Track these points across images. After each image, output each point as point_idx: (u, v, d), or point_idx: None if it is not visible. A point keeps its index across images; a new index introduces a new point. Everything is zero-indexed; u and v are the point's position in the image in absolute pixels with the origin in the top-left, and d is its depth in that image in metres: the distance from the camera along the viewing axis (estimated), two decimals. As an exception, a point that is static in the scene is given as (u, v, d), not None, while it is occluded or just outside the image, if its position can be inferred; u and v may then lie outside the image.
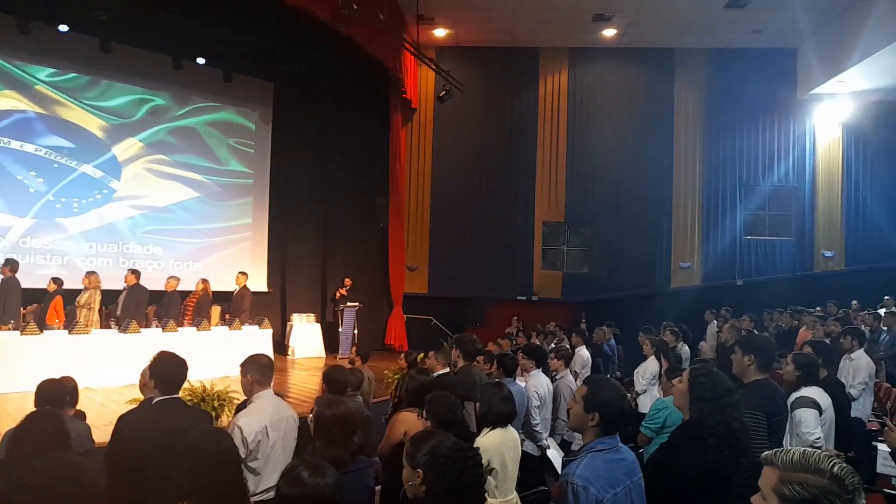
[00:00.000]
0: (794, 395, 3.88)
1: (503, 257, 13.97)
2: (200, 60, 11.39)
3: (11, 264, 8.19)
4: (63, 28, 9.95)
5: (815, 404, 3.85)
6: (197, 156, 11.80)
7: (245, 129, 12.54)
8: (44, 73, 10.17)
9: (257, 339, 9.44)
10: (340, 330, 11.60)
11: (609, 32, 13.08)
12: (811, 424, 3.74)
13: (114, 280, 9.40)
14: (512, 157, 14.16)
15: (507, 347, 8.56)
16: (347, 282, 12.26)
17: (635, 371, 6.91)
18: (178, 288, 9.77)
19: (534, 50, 14.10)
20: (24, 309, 8.53)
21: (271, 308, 11.99)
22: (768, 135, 13.70)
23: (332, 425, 2.97)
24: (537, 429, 4.97)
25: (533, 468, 4.93)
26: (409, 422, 3.66)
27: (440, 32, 13.40)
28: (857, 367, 6.06)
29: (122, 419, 3.13)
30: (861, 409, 6.01)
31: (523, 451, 4.64)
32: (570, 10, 12.10)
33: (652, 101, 13.89)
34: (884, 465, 4.77)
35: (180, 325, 9.25)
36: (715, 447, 2.61)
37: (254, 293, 10.85)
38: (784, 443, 3.52)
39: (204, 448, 2.34)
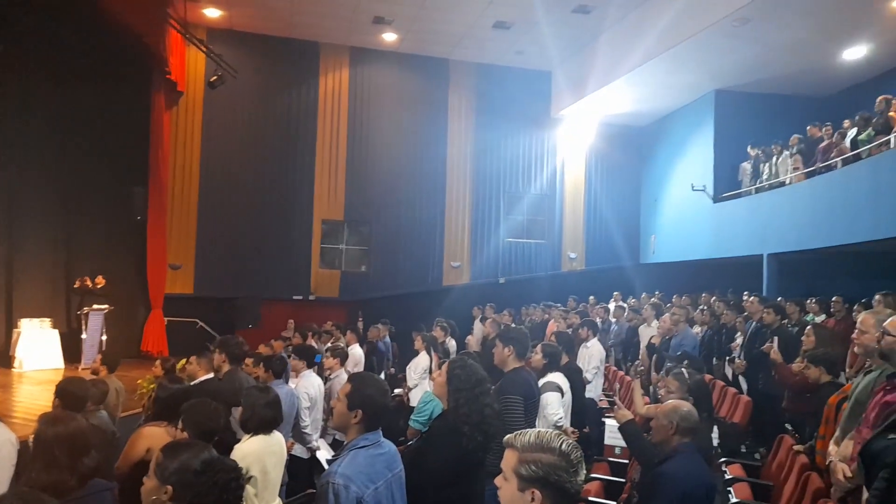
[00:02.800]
0: (541, 381, 4.32)
1: (279, 255, 13.48)
2: None
3: None
4: None
5: (558, 388, 4.34)
6: None
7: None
8: None
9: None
10: (84, 336, 10.15)
11: (389, 37, 13.38)
12: (555, 406, 4.21)
13: None
14: (290, 151, 13.73)
15: (279, 349, 8.25)
16: (100, 280, 10.78)
17: (407, 366, 7.16)
18: None
19: (314, 44, 13.84)
20: None
21: (-10, 312, 10.04)
22: (528, 147, 15.21)
23: (54, 446, 2.58)
24: (306, 430, 4.87)
25: (303, 471, 4.82)
26: (154, 437, 3.31)
27: (212, 13, 12.46)
28: (592, 354, 7.02)
29: None
30: (594, 390, 6.96)
31: (292, 455, 4.51)
32: (351, 8, 12.11)
33: (429, 107, 14.53)
34: (610, 437, 5.57)
35: None
36: (469, 433, 2.80)
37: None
38: (536, 423, 3.92)
39: None
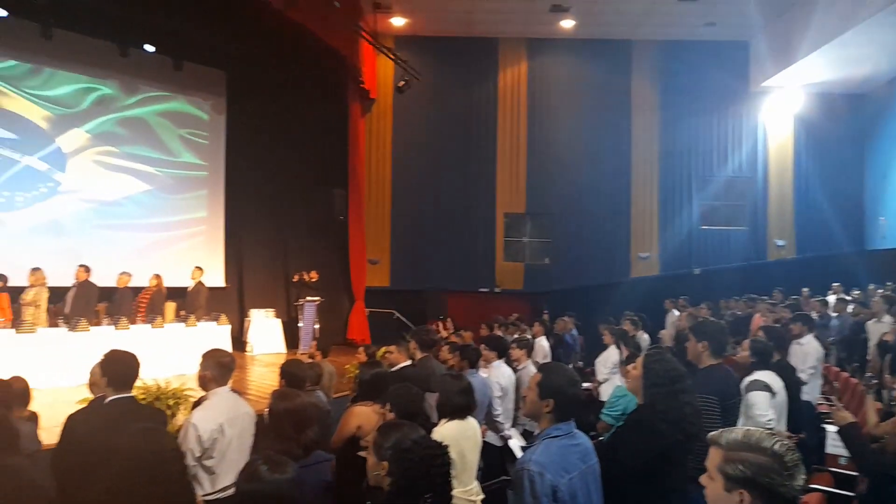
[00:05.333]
0: (747, 379, 3.96)
1: (464, 249, 13.97)
2: (149, 48, 10.91)
3: (-51, 262, 7.80)
4: (1, 13, 9.44)
5: (767, 387, 3.94)
6: (147, 147, 11.41)
7: (197, 119, 12.18)
8: (-20, 61, 9.66)
9: (214, 336, 9.24)
10: (300, 325, 11.42)
11: (567, 24, 13.14)
12: (763, 407, 3.83)
13: (61, 276, 8.99)
14: (472, 147, 14.15)
15: (469, 339, 8.54)
16: (314, 275, 11.96)
17: (596, 360, 7.00)
18: (131, 284, 9.48)
19: (492, 40, 14.09)
20: (-34, 308, 8.13)
21: (228, 303, 11.72)
22: (722, 126, 14.01)
23: (283, 419, 2.93)
24: (499, 419, 4.98)
25: (495, 458, 4.94)
26: (363, 415, 3.62)
27: (398, 21, 13.27)
28: (807, 352, 6.24)
29: (71, 419, 3.06)
30: (810, 392, 6.20)
31: (486, 442, 4.65)
32: (528, 0, 12.12)
33: (610, 93, 14.03)
34: (832, 445, 4.92)
35: (133, 322, 8.99)
36: (666, 431, 2.65)
37: (210, 288, 10.60)
38: (738, 425, 3.59)
39: (138, 448, 2.26)
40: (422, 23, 13.42)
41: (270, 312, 11.76)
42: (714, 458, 1.53)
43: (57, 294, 8.84)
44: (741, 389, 3.74)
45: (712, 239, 13.93)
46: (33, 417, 3.91)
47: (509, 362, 5.86)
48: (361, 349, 6.72)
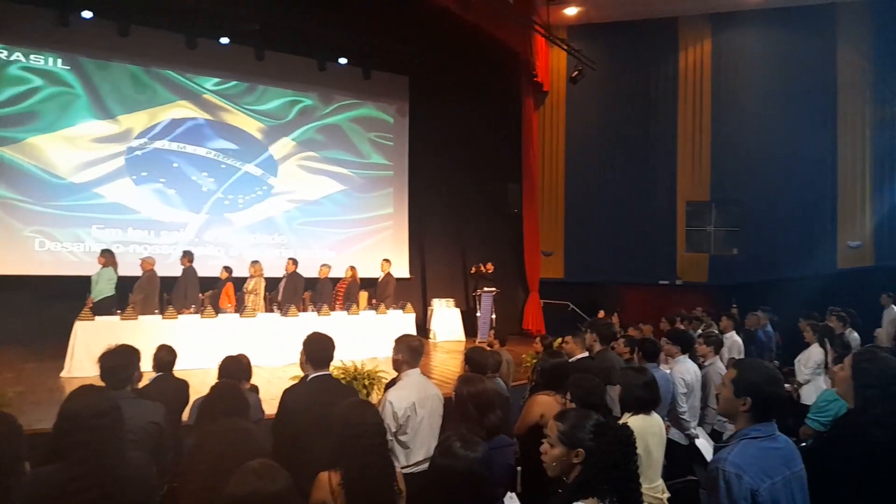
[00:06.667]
0: None
1: (642, 240, 13.43)
2: (342, 61, 12.15)
3: (189, 255, 9.29)
4: (224, 41, 11.06)
5: None
6: (342, 151, 12.60)
7: (384, 122, 13.15)
8: (210, 82, 11.36)
9: (401, 323, 9.84)
10: (478, 315, 11.83)
11: (758, -8, 12.02)
12: None
13: (274, 268, 10.34)
14: (650, 134, 13.54)
15: (648, 332, 8.26)
16: (490, 266, 12.25)
17: (796, 360, 6.39)
18: (330, 275, 10.51)
19: (672, 20, 13.32)
20: (202, 295, 9.61)
21: (413, 293, 12.54)
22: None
23: (468, 401, 3.06)
24: (684, 417, 4.79)
25: (680, 457, 4.76)
26: (545, 404, 3.68)
27: (571, 11, 13.10)
28: None
29: (286, 393, 3.45)
30: None
31: (669, 439, 4.51)
32: (714, -28, 11.30)
33: (809, 65, 12.54)
34: None
35: (332, 309, 9.93)
36: (881, 438, 2.38)
37: (396, 279, 11.36)
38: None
39: (349, 420, 2.49)
40: (595, 10, 13.11)
41: (451, 302, 12.34)
42: None
43: (271, 283, 10.12)
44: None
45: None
46: (255, 390, 4.44)
47: (693, 358, 5.60)
48: (538, 340, 6.85)
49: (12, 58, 9.76)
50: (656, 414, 3.45)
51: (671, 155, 13.44)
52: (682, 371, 4.88)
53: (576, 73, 12.68)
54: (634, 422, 3.32)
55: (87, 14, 9.88)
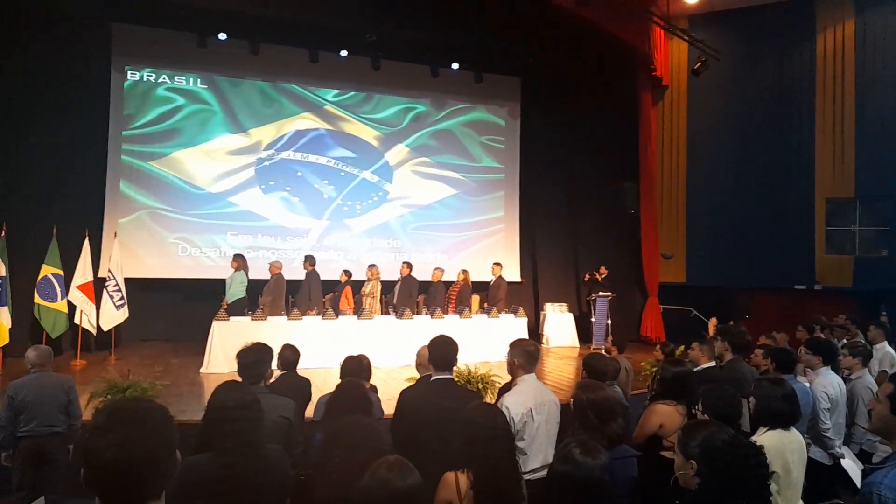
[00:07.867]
0: None
1: (773, 241, 12.42)
2: (454, 66, 12.33)
3: (311, 260, 9.84)
4: (343, 53, 11.62)
5: None
6: (454, 155, 12.79)
7: (495, 125, 13.19)
8: (330, 94, 11.98)
9: (513, 328, 9.79)
10: (593, 320, 11.51)
11: (913, -36, 10.77)
12: None
13: (390, 272, 10.69)
14: (782, 126, 12.51)
15: (782, 341, 7.63)
16: (603, 271, 11.95)
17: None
18: (443, 278, 10.68)
19: (807, 1, 12.25)
20: (324, 297, 10.12)
21: (524, 297, 12.44)
22: None
23: (587, 409, 2.98)
24: (827, 434, 4.37)
25: (822, 478, 4.36)
26: (665, 413, 3.51)
27: (692, 0, 12.43)
28: None
29: (404, 393, 3.54)
30: None
31: (811, 459, 4.14)
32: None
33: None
34: None
35: (445, 312, 10.09)
36: None
37: (508, 283, 11.34)
38: None
39: (479, 422, 2.52)
40: (720, -4, 12.37)
41: (563, 307, 12.11)
42: None
43: (386, 287, 10.46)
44: None
45: None
46: (374, 389, 4.57)
47: (836, 370, 5.10)
48: (658, 347, 6.54)
49: (160, 80, 10.86)
50: (796, 430, 3.18)
51: (808, 148, 12.34)
52: (824, 384, 4.46)
53: (698, 64, 12.01)
54: (771, 437, 3.09)
55: (222, 36, 10.77)
